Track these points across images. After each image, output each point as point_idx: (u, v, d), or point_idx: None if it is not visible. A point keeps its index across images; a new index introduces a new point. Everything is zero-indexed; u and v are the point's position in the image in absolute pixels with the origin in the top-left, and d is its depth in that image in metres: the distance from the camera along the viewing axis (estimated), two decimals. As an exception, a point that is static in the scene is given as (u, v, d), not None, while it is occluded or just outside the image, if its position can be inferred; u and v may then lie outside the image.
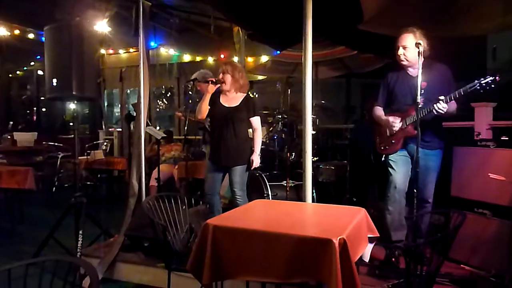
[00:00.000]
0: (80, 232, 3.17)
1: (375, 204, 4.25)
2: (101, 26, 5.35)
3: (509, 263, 2.64)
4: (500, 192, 2.82)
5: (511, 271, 2.63)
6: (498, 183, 2.78)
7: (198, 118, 3.57)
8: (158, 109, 10.18)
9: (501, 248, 2.72)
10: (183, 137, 5.13)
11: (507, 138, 3.13)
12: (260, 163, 3.51)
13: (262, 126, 3.62)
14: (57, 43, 3.13)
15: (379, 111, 3.20)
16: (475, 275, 2.83)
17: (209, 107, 3.47)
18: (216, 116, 3.49)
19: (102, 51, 8.53)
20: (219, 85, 3.45)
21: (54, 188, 6.87)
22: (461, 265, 2.97)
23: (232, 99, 3.49)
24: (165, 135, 5.32)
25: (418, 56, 2.63)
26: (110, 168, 6.69)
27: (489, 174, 2.83)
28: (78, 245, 3.13)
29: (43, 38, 3.20)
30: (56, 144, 7.45)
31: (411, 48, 2.86)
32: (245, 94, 3.51)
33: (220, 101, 3.50)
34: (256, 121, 3.50)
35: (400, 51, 2.96)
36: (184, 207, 2.81)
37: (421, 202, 2.96)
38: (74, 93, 3.06)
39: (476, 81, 2.61)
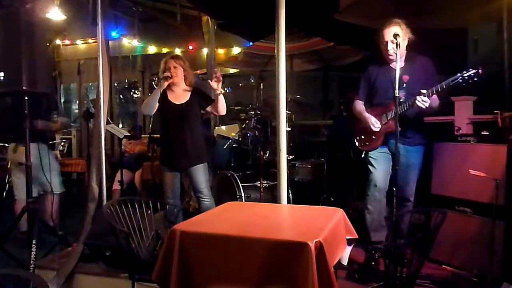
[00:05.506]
0: (34, 241, 3.07)
1: (353, 204, 4.33)
2: (55, 13, 5.15)
3: (491, 262, 2.74)
4: (481, 189, 2.90)
5: (493, 270, 2.73)
6: (479, 179, 2.86)
7: (145, 113, 3.50)
8: (121, 105, 10.01)
9: (483, 247, 2.81)
10: (148, 135, 5.06)
11: (488, 133, 3.24)
12: (232, 162, 3.51)
13: (234, 124, 3.61)
14: (4, 32, 3.01)
15: (359, 105, 3.24)
16: (456, 275, 2.92)
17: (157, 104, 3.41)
18: (167, 115, 3.45)
19: (58, 41, 8.29)
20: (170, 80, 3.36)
21: (4, 193, 6.63)
22: (443, 266, 3.06)
23: (181, 95, 3.47)
24: (128, 134, 5.22)
25: (396, 47, 2.68)
26: (68, 170, 6.52)
27: (470, 170, 2.91)
28: (32, 257, 3.03)
29: (-13, 27, 3.08)
30: (5, 144, 7.19)
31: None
32: (191, 88, 3.50)
33: (169, 98, 3.47)
34: (217, 101, 3.34)
35: (390, 45, 2.92)
36: (149, 212, 2.76)
37: (402, 201, 3.03)
38: (24, 88, 2.95)
39: (458, 74, 2.68)
